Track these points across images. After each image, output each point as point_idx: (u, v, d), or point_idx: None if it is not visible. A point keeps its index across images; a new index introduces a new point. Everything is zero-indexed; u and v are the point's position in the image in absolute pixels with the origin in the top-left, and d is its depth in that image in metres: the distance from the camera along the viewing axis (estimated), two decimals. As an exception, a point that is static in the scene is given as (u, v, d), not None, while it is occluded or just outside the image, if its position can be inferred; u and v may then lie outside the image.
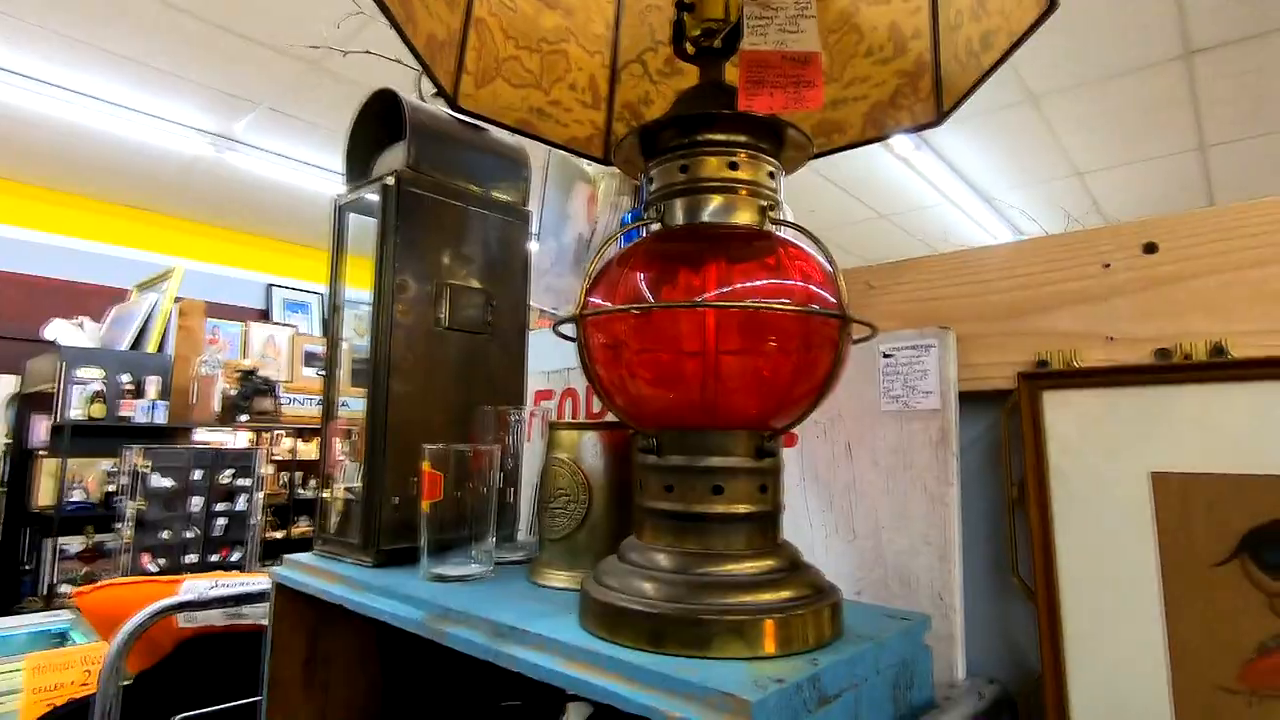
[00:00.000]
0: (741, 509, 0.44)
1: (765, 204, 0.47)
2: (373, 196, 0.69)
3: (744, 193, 0.46)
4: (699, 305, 0.41)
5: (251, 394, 3.78)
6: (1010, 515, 0.55)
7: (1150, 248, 0.51)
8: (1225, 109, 3.68)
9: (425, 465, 0.59)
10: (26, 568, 3.56)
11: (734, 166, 0.46)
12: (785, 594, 0.43)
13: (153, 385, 3.52)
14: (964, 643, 0.54)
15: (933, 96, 0.59)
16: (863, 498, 0.60)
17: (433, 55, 0.56)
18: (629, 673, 0.38)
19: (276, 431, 4.06)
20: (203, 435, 3.74)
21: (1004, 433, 0.55)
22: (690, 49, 0.52)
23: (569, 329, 0.45)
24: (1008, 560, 0.55)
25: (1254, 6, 2.82)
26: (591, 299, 0.47)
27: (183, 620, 0.96)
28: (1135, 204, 4.89)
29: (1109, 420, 0.50)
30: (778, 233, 0.47)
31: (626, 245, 0.48)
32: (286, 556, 0.69)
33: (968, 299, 0.59)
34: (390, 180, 0.67)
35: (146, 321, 3.95)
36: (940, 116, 0.58)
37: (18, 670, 2.14)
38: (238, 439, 3.84)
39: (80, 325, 3.89)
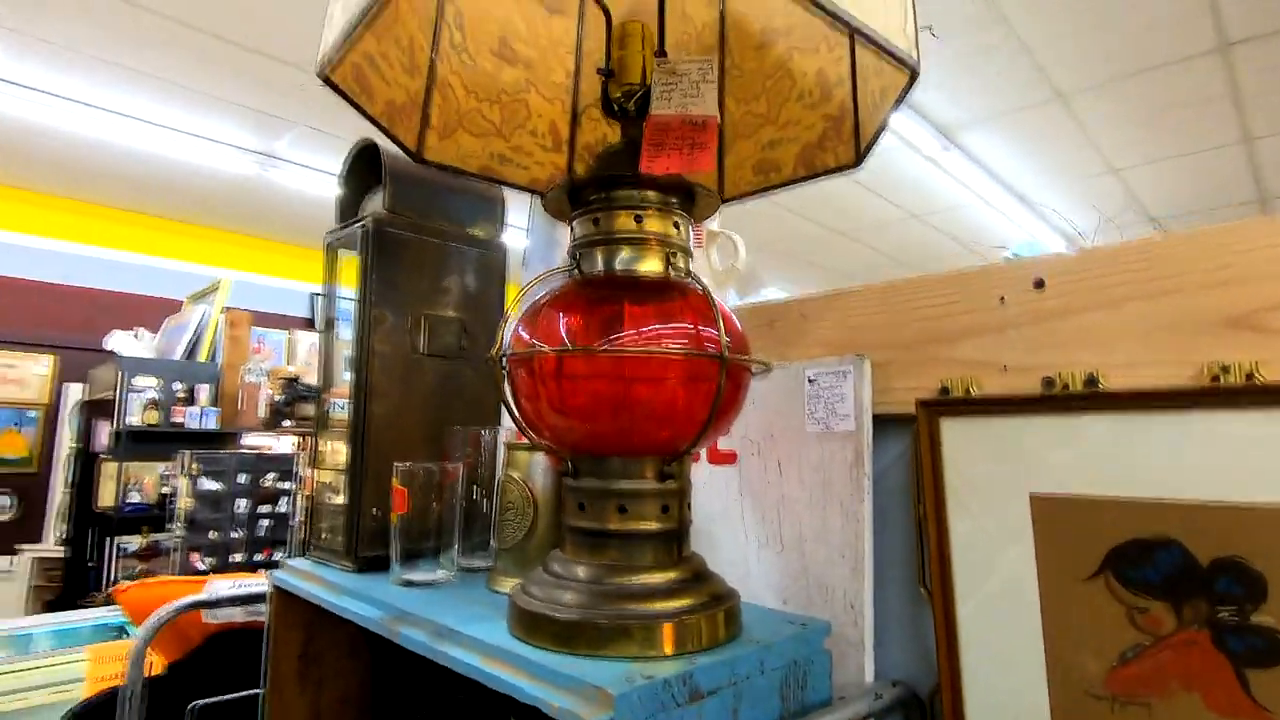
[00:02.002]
0: (645, 526, 0.50)
1: (671, 252, 0.52)
2: (355, 235, 0.77)
3: (652, 243, 0.52)
4: (589, 351, 0.47)
5: (294, 400, 3.95)
6: (918, 531, 0.59)
7: (1039, 284, 0.55)
8: (1271, 100, 3.55)
9: (395, 482, 0.66)
10: (91, 564, 3.80)
11: (640, 220, 0.51)
12: (682, 602, 0.48)
13: (203, 393, 3.72)
14: (872, 648, 0.58)
15: (853, 139, 0.64)
16: (790, 512, 0.65)
17: (392, 118, 0.63)
18: (533, 670, 0.45)
19: (318, 436, 4.23)
20: (250, 440, 3.94)
21: (912, 454, 0.59)
22: (615, 108, 0.58)
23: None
24: (918, 572, 0.59)
25: (1287, -3, 2.74)
26: (521, 334, 0.53)
27: (208, 616, 1.05)
28: (1178, 199, 4.74)
29: (996, 445, 0.54)
30: (684, 278, 0.53)
31: (548, 285, 0.55)
32: (285, 561, 0.77)
33: (886, 329, 0.64)
34: (369, 223, 0.74)
35: (198, 331, 4.17)
36: (859, 159, 0.63)
37: (82, 660, 2.31)
38: (281, 443, 4.02)
39: (137, 336, 4.12)
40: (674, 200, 0.53)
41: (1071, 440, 0.50)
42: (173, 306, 4.89)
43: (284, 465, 3.08)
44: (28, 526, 4.49)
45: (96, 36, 3.03)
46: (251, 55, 3.18)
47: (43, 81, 3.36)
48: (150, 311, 4.87)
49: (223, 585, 1.01)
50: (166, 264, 5.19)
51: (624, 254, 0.51)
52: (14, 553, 4.35)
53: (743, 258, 0.83)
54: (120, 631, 2.52)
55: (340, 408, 0.81)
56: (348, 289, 0.81)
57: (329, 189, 4.51)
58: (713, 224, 0.85)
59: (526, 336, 0.51)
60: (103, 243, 4.94)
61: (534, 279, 0.55)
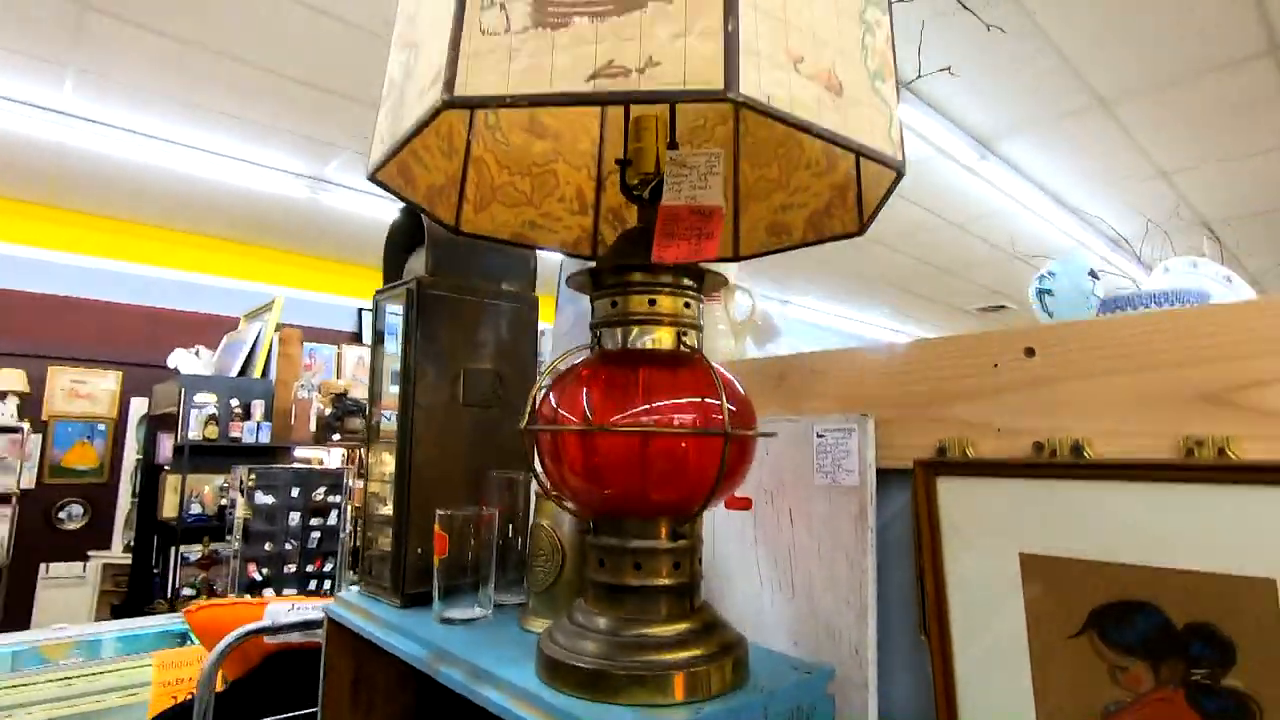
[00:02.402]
0: (659, 582, 0.55)
1: (681, 330, 0.57)
2: (401, 295, 0.84)
3: (664, 322, 0.57)
4: (605, 430, 0.52)
5: (343, 414, 4.11)
6: (919, 582, 0.63)
7: (1030, 352, 0.58)
8: (1327, 100, 3.43)
9: (436, 528, 0.73)
10: (155, 571, 4.01)
11: (653, 303, 0.57)
12: (693, 652, 0.53)
13: (258, 408, 3.90)
14: (876, 691, 0.62)
15: (856, 209, 0.68)
16: (800, 560, 0.69)
17: (432, 200, 0.70)
18: (558, 715, 0.50)
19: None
20: (301, 453, 4.11)
21: (913, 510, 0.63)
22: (632, 194, 0.63)
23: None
24: (917, 617, 0.63)
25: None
26: (549, 403, 0.59)
27: (267, 638, 1.14)
28: (1232, 202, 4.60)
29: (989, 506, 0.57)
30: (694, 352, 0.58)
31: (575, 363, 0.60)
32: (339, 594, 0.84)
33: (891, 387, 0.67)
34: (412, 285, 0.81)
35: (253, 348, 4.37)
36: (861, 227, 0.67)
37: (148, 665, 2.46)
38: (331, 456, 4.19)
39: (197, 353, 4.34)
40: (684, 282, 0.58)
41: (1058, 504, 0.54)
42: (230, 323, 5.13)
43: (333, 479, 3.22)
44: (97, 534, 4.74)
45: (165, 77, 3.23)
46: (302, 87, 3.34)
47: (119, 119, 3.58)
48: (209, 328, 5.12)
49: (281, 609, 1.09)
50: (224, 282, 5.44)
51: (639, 332, 0.57)
52: (85, 559, 4.61)
53: (758, 310, 0.87)
54: (182, 639, 2.66)
55: (389, 419, 0.88)
56: (390, 304, 0.88)
57: (374, 209, 4.68)
58: (731, 276, 0.90)
59: (552, 406, 0.56)
60: (164, 263, 5.20)
61: (559, 356, 0.60)
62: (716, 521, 0.77)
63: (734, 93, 0.40)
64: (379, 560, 0.83)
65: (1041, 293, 2.27)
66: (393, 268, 0.90)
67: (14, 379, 4.49)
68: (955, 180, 4.33)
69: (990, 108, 3.54)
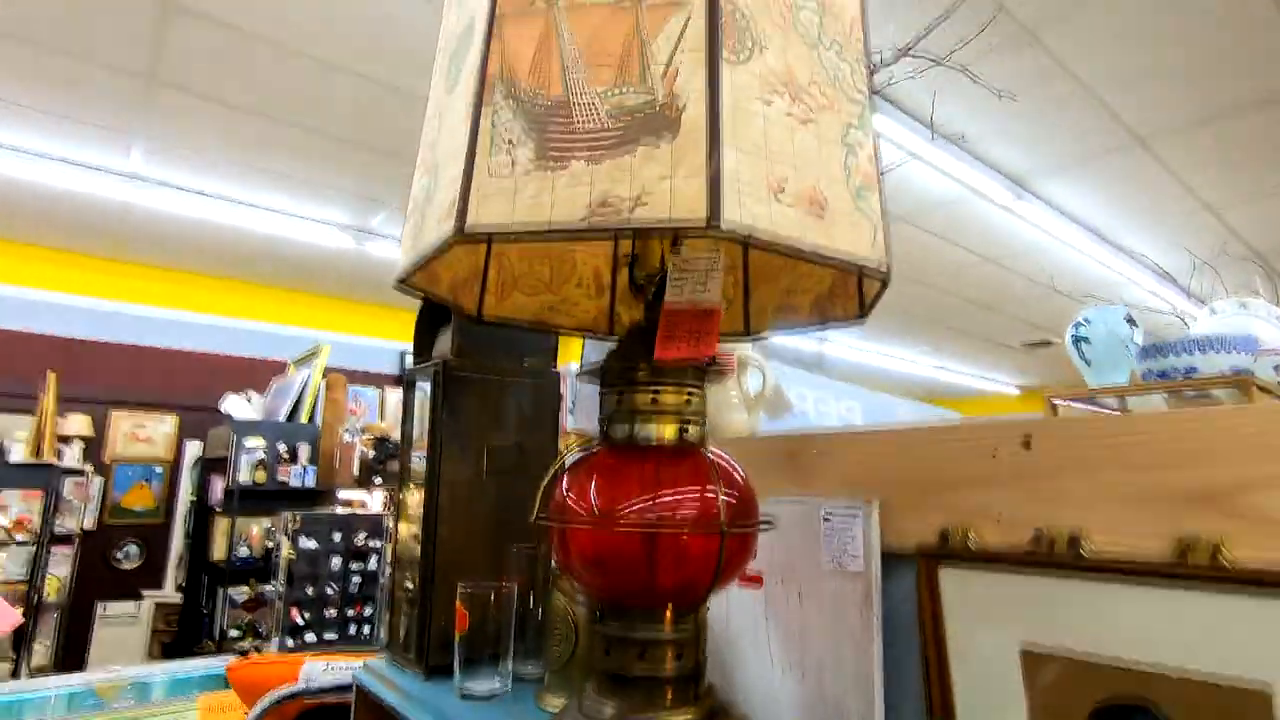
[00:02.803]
0: (663, 671, 0.57)
1: (683, 424, 0.60)
2: (428, 373, 0.88)
3: (667, 416, 0.60)
4: (606, 525, 0.55)
5: (385, 458, 4.21)
6: (924, 668, 0.63)
7: (1027, 442, 0.60)
8: (1380, 131, 3.34)
9: (458, 604, 0.76)
10: (205, 611, 4.12)
11: (656, 399, 0.60)
12: (695, 741, 0.55)
13: (304, 452, 4.02)
14: (883, 779, 0.62)
15: (856, 297, 0.70)
16: (810, 641, 0.70)
17: (456, 291, 0.75)
18: (563, 802, 0.52)
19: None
20: (345, 494, 4.21)
21: (917, 597, 0.64)
22: (639, 289, 0.67)
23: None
24: (924, 705, 0.63)
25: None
26: (560, 491, 0.62)
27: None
28: (1285, 235, 4.45)
29: (990, 597, 0.58)
30: (697, 443, 0.61)
31: (582, 455, 0.63)
32: (366, 662, 0.88)
33: (897, 470, 0.69)
34: (439, 366, 0.86)
35: (300, 393, 4.52)
36: (862, 314, 0.70)
37: (193, 709, 2.53)
38: (374, 498, 4.28)
39: (248, 398, 4.51)
40: (686, 378, 0.61)
41: (1058, 599, 0.54)
42: (280, 368, 5.32)
43: (373, 524, 3.29)
44: (151, 573, 4.91)
45: (225, 142, 3.44)
46: (350, 148, 3.51)
47: (182, 180, 3.83)
48: (260, 372, 5.32)
49: (316, 668, 1.13)
50: (275, 328, 5.67)
51: (642, 426, 0.60)
52: (139, 598, 4.77)
53: (770, 385, 0.90)
54: (228, 682, 2.71)
55: (419, 459, 0.91)
56: (425, 380, 0.92)
57: (417, 257, 4.85)
58: (744, 351, 0.93)
59: (560, 498, 0.59)
60: (220, 311, 5.46)
61: (570, 450, 0.64)
62: (730, 597, 0.79)
63: (716, 226, 0.44)
64: (406, 629, 0.87)
65: (1077, 340, 2.24)
66: (423, 344, 0.95)
67: (81, 424, 4.73)
68: (992, 219, 4.30)
69: (1023, 149, 3.53)
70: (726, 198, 0.45)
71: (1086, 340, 2.17)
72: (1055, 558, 0.55)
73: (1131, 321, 2.16)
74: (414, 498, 0.89)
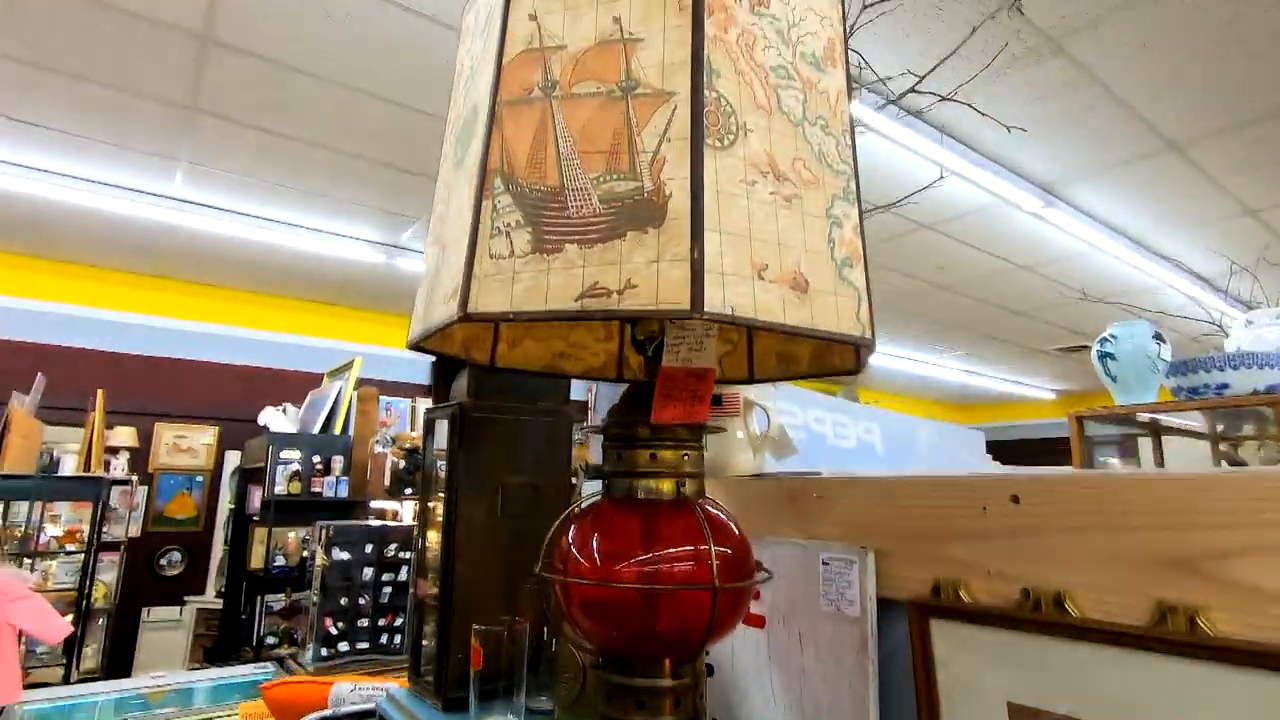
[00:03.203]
0: (661, 719, 0.59)
1: (680, 481, 0.63)
2: (446, 415, 0.92)
3: (664, 474, 0.63)
4: (604, 584, 0.58)
5: (414, 469, 4.29)
6: (917, 714, 0.65)
7: (1015, 499, 0.61)
8: None
9: (474, 641, 0.79)
10: (243, 617, 4.24)
11: (654, 457, 0.63)
12: (691, 788, 0.57)
13: (337, 464, 4.12)
14: (878, 825, 0.64)
15: (854, 349, 0.72)
16: (809, 684, 0.72)
17: (469, 345, 0.78)
18: (564, 845, 0.55)
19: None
20: (377, 504, 4.30)
21: (910, 647, 0.66)
22: (639, 346, 0.70)
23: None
24: (921, 754, 0.65)
25: None
26: (563, 543, 0.65)
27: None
28: (1332, 238, 4.30)
29: (979, 652, 0.60)
30: (693, 499, 0.63)
31: (585, 505, 0.66)
32: (390, 690, 0.92)
33: (891, 519, 0.71)
34: (456, 409, 0.90)
35: (334, 405, 4.64)
36: (858, 367, 0.72)
37: (234, 714, 2.62)
38: (405, 508, 4.36)
39: (284, 411, 4.64)
40: (683, 436, 0.64)
41: (1042, 658, 0.56)
42: (315, 380, 5.46)
43: (404, 536, 3.37)
44: (193, 580, 5.08)
45: (262, 165, 3.57)
46: (380, 168, 3.61)
47: (222, 202, 3.97)
48: (296, 384, 5.47)
49: (344, 690, 1.18)
50: (309, 341, 5.82)
51: (640, 483, 0.63)
52: (182, 604, 4.93)
53: (775, 426, 0.92)
54: (265, 691, 2.79)
55: (443, 467, 0.94)
56: (443, 420, 0.97)
57: (446, 271, 4.95)
58: (749, 394, 0.95)
59: (560, 553, 0.62)
60: (257, 325, 5.62)
61: (574, 507, 0.67)
62: (734, 636, 0.81)
63: (699, 311, 0.47)
64: (428, 659, 0.90)
65: (1103, 356, 2.20)
66: (440, 388, 0.99)
67: (127, 435, 4.92)
68: (1022, 226, 4.24)
69: (1051, 157, 3.48)
70: (709, 284, 0.47)
71: (1112, 357, 2.14)
72: (1042, 617, 0.57)
73: (1160, 338, 2.12)
74: (433, 536, 0.93)
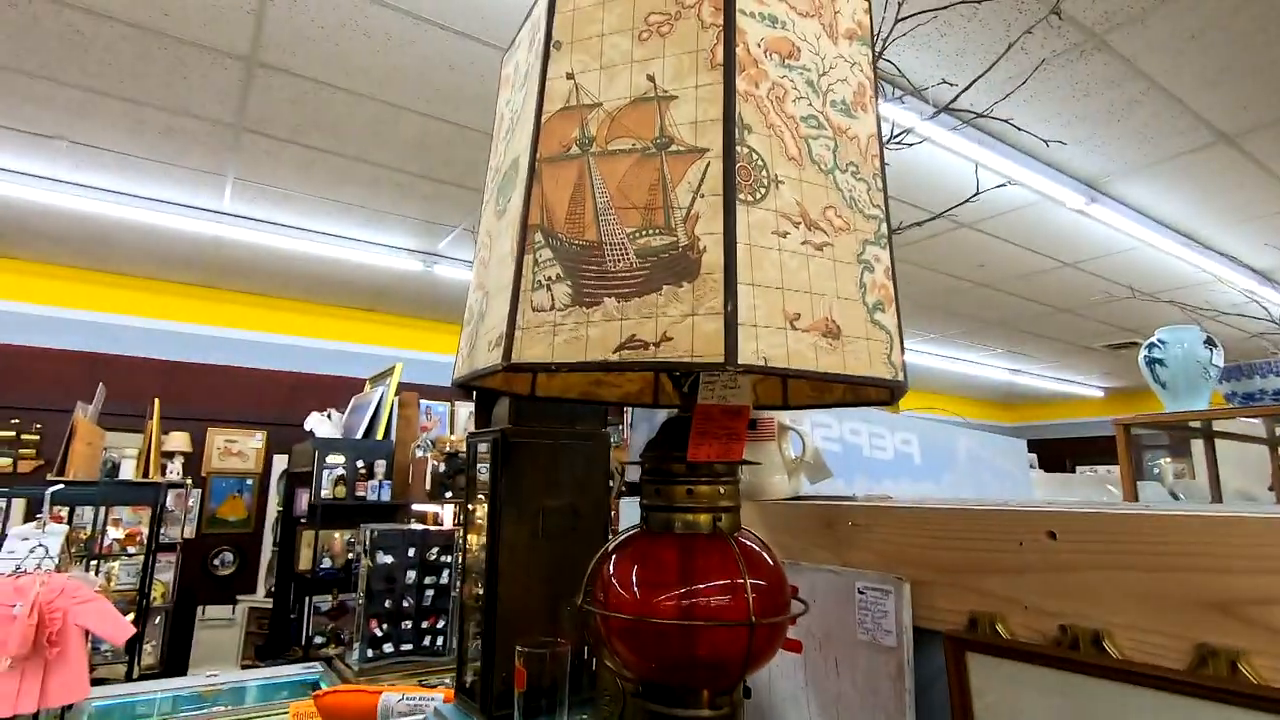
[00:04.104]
0: (699, 748, 0.61)
1: (716, 515, 0.65)
2: (488, 440, 0.95)
3: (701, 508, 0.65)
4: (641, 620, 0.60)
5: (454, 473, 4.37)
6: (956, 747, 0.66)
7: (1051, 535, 0.61)
8: None
9: (518, 663, 0.82)
10: (293, 616, 4.38)
11: (691, 493, 0.64)
12: (730, 817, 0.59)
13: (380, 467, 4.22)
14: None
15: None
16: (846, 710, 0.73)
17: (509, 379, 0.81)
18: None
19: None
20: (419, 508, 4.40)
21: (947, 678, 0.66)
22: (675, 382, 0.71)
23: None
24: (959, 785, 0.66)
25: None
26: (604, 573, 0.67)
27: (382, 724, 1.27)
28: (1399, 229, 4.11)
29: (1014, 687, 0.60)
30: (730, 531, 0.65)
31: (625, 536, 0.68)
32: (438, 707, 0.96)
33: (927, 549, 0.71)
34: (498, 435, 0.93)
35: (376, 411, 4.75)
36: (893, 398, 0.72)
37: (285, 713, 2.71)
38: (445, 511, 4.45)
39: (329, 416, 4.77)
40: (719, 470, 0.65)
41: (1078, 697, 0.56)
42: (358, 385, 5.59)
43: (445, 540, 3.44)
44: (244, 579, 5.25)
45: (305, 179, 3.68)
46: (418, 179, 3.69)
47: (268, 215, 4.10)
48: (340, 389, 5.61)
49: (393, 700, 1.22)
50: (352, 347, 5.97)
51: (678, 517, 0.65)
52: (234, 602, 5.10)
53: (810, 450, 0.93)
54: (314, 687, 2.90)
55: (484, 471, 0.97)
56: (485, 444, 1.00)
57: (482, 277, 5.03)
58: (784, 418, 0.96)
59: (601, 584, 0.65)
60: (302, 332, 5.78)
61: (614, 540, 0.69)
62: (773, 662, 0.83)
63: (733, 364, 0.48)
64: (474, 676, 0.94)
65: (1152, 362, 2.15)
66: (483, 413, 1.02)
67: (181, 440, 5.11)
68: (1066, 222, 4.14)
69: (1095, 153, 3.39)
70: (743, 336, 0.49)
71: (1161, 363, 2.09)
72: (1080, 656, 0.57)
73: (1211, 343, 2.06)
74: (484, 480, 0.96)
